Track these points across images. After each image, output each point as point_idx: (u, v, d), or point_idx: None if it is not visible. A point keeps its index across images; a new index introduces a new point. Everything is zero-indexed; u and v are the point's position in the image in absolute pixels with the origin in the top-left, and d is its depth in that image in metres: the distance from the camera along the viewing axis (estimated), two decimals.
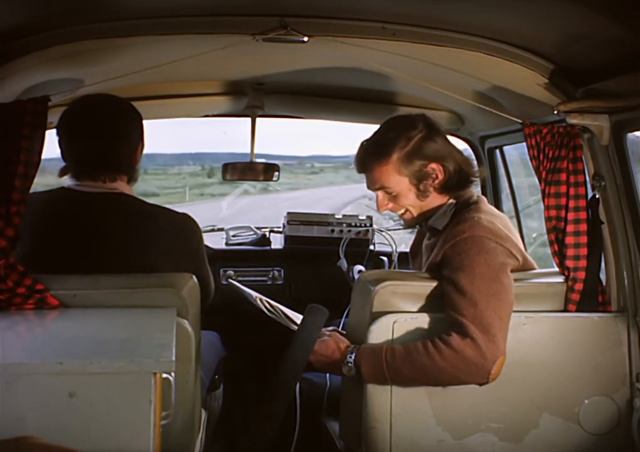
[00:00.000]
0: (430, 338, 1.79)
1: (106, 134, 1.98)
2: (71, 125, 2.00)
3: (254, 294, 2.20)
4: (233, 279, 2.41)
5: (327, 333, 1.97)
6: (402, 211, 2.05)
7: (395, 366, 1.79)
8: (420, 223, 2.09)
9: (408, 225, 2.13)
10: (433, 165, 1.98)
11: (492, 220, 1.91)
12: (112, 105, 2.03)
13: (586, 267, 1.97)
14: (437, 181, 1.99)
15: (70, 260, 1.87)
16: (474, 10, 1.70)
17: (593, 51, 1.74)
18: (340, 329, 2.14)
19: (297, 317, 2.02)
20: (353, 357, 1.84)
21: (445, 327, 1.81)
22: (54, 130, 2.02)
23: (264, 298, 2.14)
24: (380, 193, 2.02)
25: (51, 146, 1.97)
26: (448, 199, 2.02)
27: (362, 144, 2.07)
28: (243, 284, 3.21)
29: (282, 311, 2.09)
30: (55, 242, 1.91)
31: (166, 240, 1.98)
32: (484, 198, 2.07)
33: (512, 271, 1.88)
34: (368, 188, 2.06)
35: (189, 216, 2.09)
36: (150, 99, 2.74)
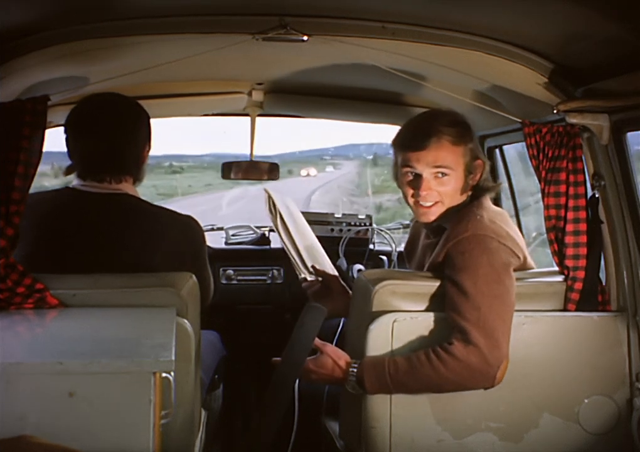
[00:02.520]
0: (432, 347, 1.78)
1: (114, 134, 1.97)
2: (79, 124, 1.99)
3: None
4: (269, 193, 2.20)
5: (320, 344, 1.91)
6: (436, 200, 1.96)
7: (399, 379, 1.78)
8: (435, 221, 2.01)
9: (427, 219, 2.00)
10: (480, 161, 2.00)
11: (494, 218, 1.90)
12: (120, 105, 2.01)
13: (585, 267, 1.96)
14: (475, 179, 2.00)
15: (74, 260, 1.87)
16: (474, 10, 1.70)
17: (593, 51, 1.74)
18: (340, 329, 2.14)
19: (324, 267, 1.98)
20: (355, 373, 1.82)
21: (445, 326, 1.81)
22: (53, 129, 2.02)
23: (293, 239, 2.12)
24: (431, 173, 1.93)
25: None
26: (463, 202, 2.01)
27: (430, 114, 2.06)
28: (242, 283, 3.21)
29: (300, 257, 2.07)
30: (59, 241, 1.91)
31: (170, 242, 1.98)
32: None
33: (514, 270, 1.88)
34: (412, 165, 1.94)
35: (193, 218, 2.09)
36: (150, 98, 2.74)
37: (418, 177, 1.95)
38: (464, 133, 1.97)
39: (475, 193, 2.02)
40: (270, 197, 2.15)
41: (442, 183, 1.95)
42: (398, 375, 1.78)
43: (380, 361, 1.80)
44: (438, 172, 1.93)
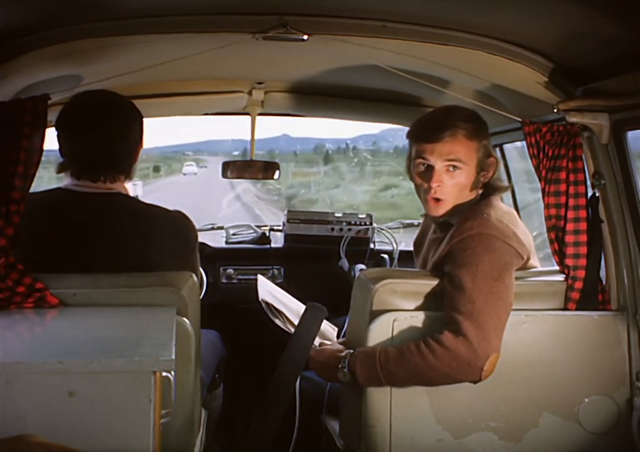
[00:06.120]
0: (423, 338, 1.79)
1: (108, 132, 1.96)
2: (72, 122, 1.96)
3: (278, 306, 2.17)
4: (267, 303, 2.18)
5: (327, 342, 2.00)
6: (444, 195, 1.96)
7: (389, 367, 1.79)
8: (442, 217, 2.01)
9: (436, 212, 1.99)
10: (493, 159, 2.00)
11: (501, 217, 1.90)
12: (113, 102, 2.00)
13: (586, 266, 1.97)
14: (487, 176, 2.00)
15: (70, 262, 1.87)
16: (475, 9, 1.70)
17: (593, 50, 1.74)
18: (345, 328, 2.14)
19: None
20: (347, 362, 1.84)
21: (445, 326, 1.81)
22: (53, 129, 2.01)
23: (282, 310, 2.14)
24: (443, 166, 1.94)
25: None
26: (473, 200, 2.01)
27: (447, 109, 2.06)
28: (242, 283, 3.23)
29: (286, 317, 2.09)
30: (54, 243, 1.89)
31: (166, 240, 1.98)
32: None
33: (517, 270, 1.88)
34: (425, 156, 1.94)
35: (183, 213, 2.09)
36: (151, 98, 2.74)
37: (430, 169, 1.95)
38: (479, 129, 1.97)
39: (486, 191, 2.02)
40: (267, 304, 2.16)
41: (453, 177, 1.95)
42: (388, 364, 1.78)
43: (372, 350, 1.82)
44: (450, 165, 1.94)
